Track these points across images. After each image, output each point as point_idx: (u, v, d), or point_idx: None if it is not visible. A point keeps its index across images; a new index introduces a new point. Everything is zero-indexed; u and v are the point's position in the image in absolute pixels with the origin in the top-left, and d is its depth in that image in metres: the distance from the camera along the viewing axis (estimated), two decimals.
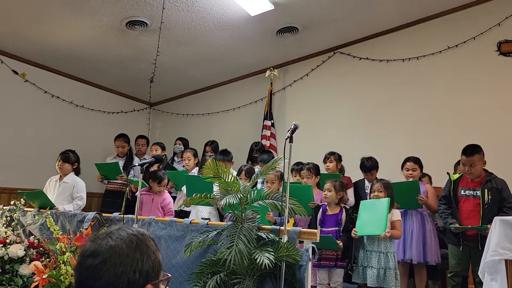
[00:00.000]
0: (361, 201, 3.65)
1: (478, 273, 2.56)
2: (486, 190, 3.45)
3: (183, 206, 4.32)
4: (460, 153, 3.61)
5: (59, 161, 4.48)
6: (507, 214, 3.26)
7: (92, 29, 5.08)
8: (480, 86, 5.26)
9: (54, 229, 3.12)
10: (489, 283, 2.39)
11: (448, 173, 3.86)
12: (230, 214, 2.92)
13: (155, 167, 4.90)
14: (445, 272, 3.84)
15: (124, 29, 5.08)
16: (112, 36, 5.25)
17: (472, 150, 3.50)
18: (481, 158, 3.55)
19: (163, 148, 5.67)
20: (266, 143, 6.06)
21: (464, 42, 5.39)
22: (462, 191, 3.59)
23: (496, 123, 5.10)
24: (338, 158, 4.65)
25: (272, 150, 5.80)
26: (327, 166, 4.58)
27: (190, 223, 3.18)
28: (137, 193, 3.31)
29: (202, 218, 3.77)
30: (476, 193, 3.50)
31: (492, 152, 4.83)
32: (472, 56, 5.35)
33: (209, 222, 3.20)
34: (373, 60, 5.90)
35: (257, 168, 4.55)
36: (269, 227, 2.81)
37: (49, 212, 3.55)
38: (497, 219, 2.40)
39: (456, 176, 3.67)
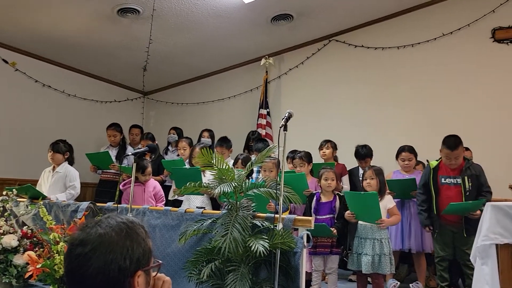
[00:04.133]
0: (345, 192, 3.66)
1: (470, 257, 2.59)
2: (466, 178, 3.48)
3: (177, 195, 4.34)
4: (442, 143, 3.60)
5: (50, 151, 4.50)
6: (486, 198, 3.32)
7: (83, 17, 5.04)
8: (474, 73, 5.27)
9: (48, 219, 3.15)
10: (480, 267, 2.43)
11: (427, 161, 3.87)
12: (225, 203, 2.93)
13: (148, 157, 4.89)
14: None
15: (116, 16, 5.03)
16: (103, 23, 5.21)
17: (455, 143, 3.48)
18: (462, 148, 3.57)
19: (153, 139, 5.63)
20: (262, 132, 6.07)
21: (459, 29, 5.38)
22: (443, 179, 3.60)
23: (491, 109, 5.12)
24: (334, 146, 4.67)
25: (268, 139, 5.80)
26: (323, 153, 4.60)
27: (185, 212, 3.19)
28: (131, 181, 3.31)
29: (197, 207, 3.78)
30: (457, 181, 3.52)
31: (485, 138, 4.89)
32: (467, 43, 5.35)
33: (204, 211, 3.21)
34: (369, 48, 5.89)
35: (253, 157, 4.55)
36: (264, 215, 2.83)
37: (41, 203, 3.56)
38: (488, 205, 2.43)
39: (435, 163, 3.66)
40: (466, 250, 3.33)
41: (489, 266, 2.36)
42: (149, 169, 4.36)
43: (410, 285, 3.97)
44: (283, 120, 2.71)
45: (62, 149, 4.50)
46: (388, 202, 3.52)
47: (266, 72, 6.44)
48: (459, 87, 5.33)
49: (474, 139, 4.53)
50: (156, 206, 4.06)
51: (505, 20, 5.20)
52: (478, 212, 3.27)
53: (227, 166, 2.77)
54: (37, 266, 2.91)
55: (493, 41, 5.25)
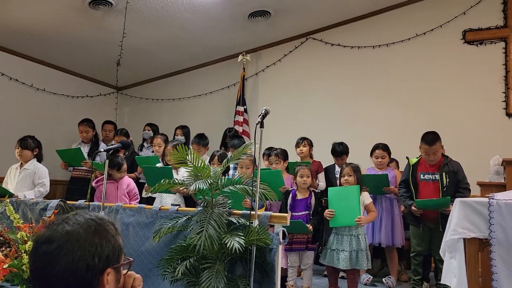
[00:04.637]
0: (329, 189, 3.71)
1: (440, 251, 2.66)
2: (444, 174, 3.59)
3: (150, 193, 4.28)
4: (421, 139, 3.69)
5: (18, 148, 4.36)
6: (463, 195, 3.42)
7: (53, 8, 4.89)
8: (446, 73, 5.42)
9: (15, 218, 3.07)
10: (448, 261, 2.49)
11: (407, 158, 3.96)
12: (201, 200, 2.91)
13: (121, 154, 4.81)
14: (409, 253, 3.97)
15: (87, 8, 4.91)
16: (74, 15, 5.07)
17: (433, 139, 3.59)
18: (440, 144, 3.68)
19: (127, 135, 5.54)
20: (239, 129, 6.05)
21: (432, 30, 5.51)
22: (422, 175, 3.70)
23: (461, 108, 5.27)
24: (310, 143, 4.70)
25: (245, 136, 5.80)
26: (300, 151, 4.63)
27: (160, 209, 3.16)
28: (103, 179, 3.24)
29: (172, 204, 3.74)
30: (435, 177, 3.63)
31: (456, 137, 5.02)
32: (439, 44, 5.49)
33: (179, 208, 3.18)
34: (345, 46, 5.96)
35: (230, 154, 4.54)
36: (240, 212, 2.83)
37: (8, 201, 3.46)
38: (457, 201, 2.49)
39: (415, 160, 3.77)
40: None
41: (457, 260, 2.43)
42: (125, 166, 4.29)
43: (383, 279, 4.06)
44: (260, 117, 2.72)
45: (31, 146, 4.38)
46: (365, 198, 3.59)
47: (243, 68, 6.43)
48: (431, 86, 5.46)
49: (445, 137, 4.61)
50: (130, 204, 3.99)
51: (475, 22, 5.35)
52: (450, 207, 3.37)
53: (203, 163, 2.75)
54: (4, 267, 2.84)
55: (464, 43, 5.40)
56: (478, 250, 2.45)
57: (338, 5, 5.55)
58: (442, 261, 3.32)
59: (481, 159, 4.32)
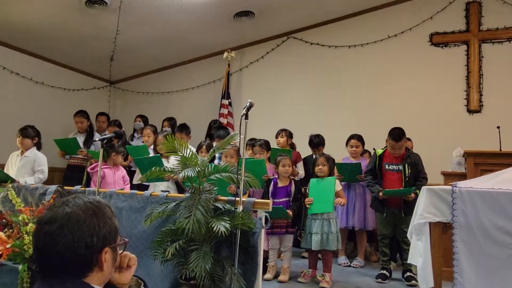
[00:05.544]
0: (311, 179, 3.73)
1: (407, 234, 2.72)
2: (406, 165, 3.65)
3: (141, 181, 4.25)
4: (388, 134, 3.72)
5: (19, 136, 4.30)
6: (422, 183, 3.48)
7: (52, 7, 4.79)
8: (414, 72, 5.51)
9: (16, 202, 3.04)
10: (415, 243, 2.55)
11: (374, 149, 4.01)
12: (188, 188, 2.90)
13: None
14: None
15: (83, 7, 4.82)
16: (71, 13, 4.96)
17: (399, 135, 3.63)
18: (405, 139, 3.74)
19: (119, 126, 5.53)
20: (224, 121, 6.03)
21: (402, 32, 5.58)
22: (387, 166, 3.75)
23: (427, 105, 5.38)
24: (289, 135, 4.71)
25: (229, 128, 5.78)
26: (278, 141, 4.64)
27: (150, 195, 3.13)
28: (98, 166, 3.20)
29: (161, 191, 3.72)
30: (399, 167, 3.68)
31: (422, 130, 5.13)
32: (408, 45, 5.57)
33: (168, 194, 3.16)
34: (323, 45, 5.98)
35: (215, 144, 4.52)
36: (226, 198, 2.82)
37: (10, 186, 3.42)
38: (424, 189, 2.54)
39: (380, 151, 3.81)
40: (404, 228, 3.48)
41: (423, 242, 2.48)
42: (123, 153, 4.37)
43: (352, 264, 4.12)
44: (245, 109, 2.70)
45: (31, 134, 4.32)
46: (336, 185, 3.63)
47: (228, 65, 6.38)
48: (400, 84, 5.54)
49: (412, 131, 4.71)
50: (124, 188, 3.98)
51: (441, 26, 5.45)
52: (413, 195, 3.48)
53: (191, 153, 2.74)
54: (7, 246, 2.82)
55: (431, 45, 5.49)
56: (441, 233, 2.51)
57: (317, 7, 5.57)
58: (405, 243, 3.42)
59: (445, 151, 4.40)
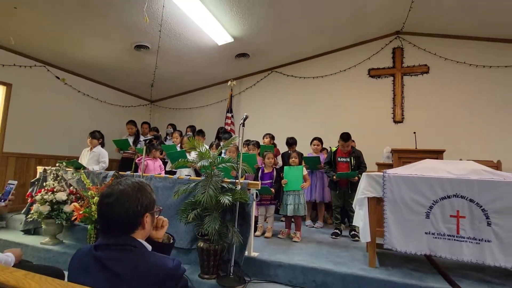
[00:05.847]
0: (285, 167, 3.74)
1: (353, 205, 2.74)
2: (352, 158, 3.66)
3: (171, 168, 4.23)
4: (339, 136, 3.74)
5: (89, 138, 4.31)
6: (362, 170, 3.51)
7: (112, 50, 4.77)
8: (356, 96, 5.54)
9: (87, 182, 3.11)
10: (358, 211, 2.58)
11: (330, 147, 4.03)
12: (204, 173, 2.90)
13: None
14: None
15: (133, 50, 4.80)
16: (125, 54, 4.94)
17: (347, 137, 3.65)
18: (351, 140, 3.74)
19: (157, 131, 5.50)
20: (227, 128, 6.00)
21: (349, 68, 5.61)
22: (339, 158, 3.76)
23: (366, 118, 5.42)
24: (272, 137, 4.72)
25: (231, 132, 5.76)
26: (264, 141, 4.64)
27: (178, 178, 3.12)
28: (142, 158, 3.18)
29: (185, 175, 3.70)
30: (347, 159, 3.70)
31: (362, 135, 5.16)
32: (353, 76, 5.60)
33: (190, 177, 3.16)
34: (296, 77, 6.00)
35: (222, 143, 4.50)
36: (229, 180, 2.83)
37: (83, 171, 3.49)
38: (364, 174, 2.56)
39: (334, 148, 3.82)
40: (350, 201, 3.52)
41: (363, 211, 2.51)
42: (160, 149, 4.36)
43: (314, 225, 4.13)
44: (242, 119, 2.72)
45: (97, 136, 4.31)
46: (303, 171, 3.64)
47: (231, 89, 6.36)
48: (348, 104, 5.57)
49: (356, 135, 4.73)
50: (160, 173, 3.96)
51: (376, 64, 5.49)
52: (356, 178, 3.50)
53: (205, 149, 2.74)
54: (80, 212, 2.82)
55: (369, 77, 5.54)
56: (376, 204, 2.55)
57: (292, 51, 5.58)
58: (351, 211, 3.44)
59: (378, 148, 4.45)
